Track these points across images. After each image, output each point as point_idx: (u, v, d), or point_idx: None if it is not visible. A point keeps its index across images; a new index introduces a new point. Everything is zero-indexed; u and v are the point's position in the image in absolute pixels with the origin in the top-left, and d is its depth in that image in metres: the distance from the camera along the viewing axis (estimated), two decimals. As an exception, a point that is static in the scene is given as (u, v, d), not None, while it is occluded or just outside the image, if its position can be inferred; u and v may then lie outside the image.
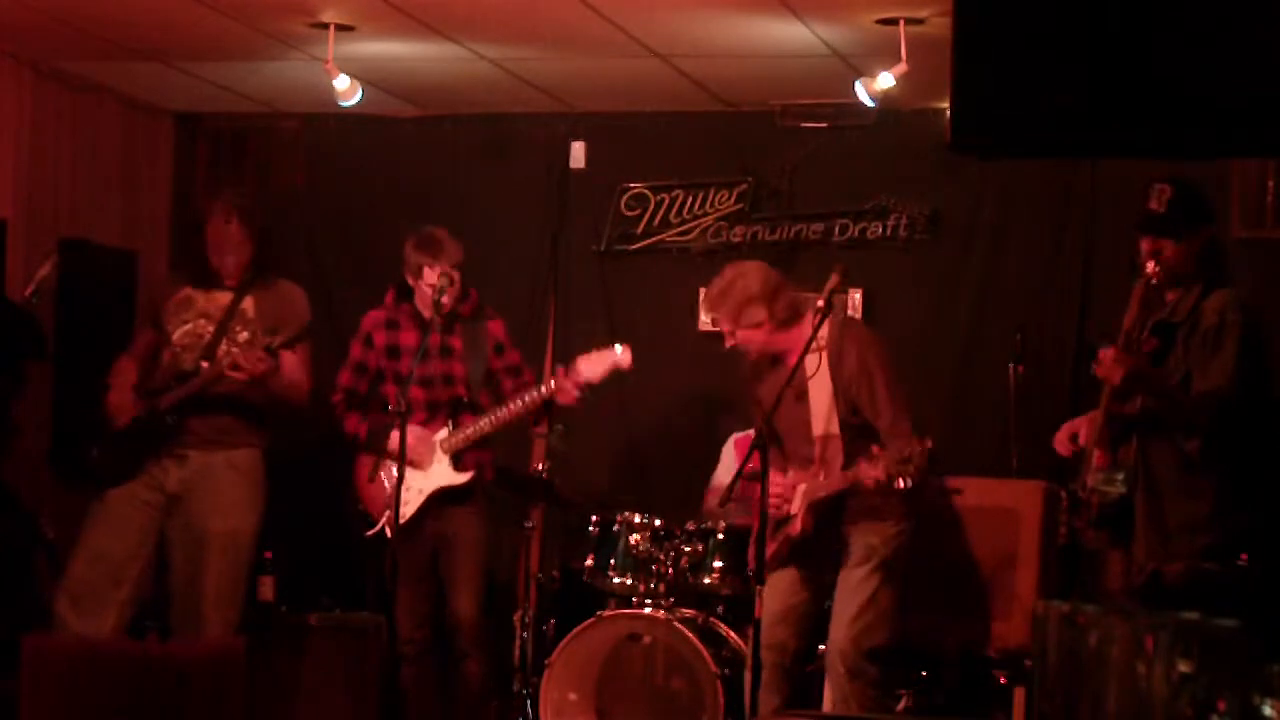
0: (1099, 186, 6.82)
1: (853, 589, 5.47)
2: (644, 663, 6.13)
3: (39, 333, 6.63)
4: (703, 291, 7.26)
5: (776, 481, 5.44)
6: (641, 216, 7.58)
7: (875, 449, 5.28)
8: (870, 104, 6.57)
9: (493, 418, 6.24)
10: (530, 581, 6.80)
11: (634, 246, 7.60)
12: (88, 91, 7.45)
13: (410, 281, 6.28)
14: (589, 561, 6.32)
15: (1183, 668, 2.59)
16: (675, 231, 7.55)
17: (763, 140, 7.44)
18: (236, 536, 6.06)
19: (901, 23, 6.04)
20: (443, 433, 6.27)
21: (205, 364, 6.00)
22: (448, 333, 6.32)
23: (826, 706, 5.63)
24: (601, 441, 7.39)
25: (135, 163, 7.76)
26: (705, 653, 5.85)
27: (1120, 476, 4.87)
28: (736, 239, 7.44)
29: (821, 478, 5.49)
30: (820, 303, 5.34)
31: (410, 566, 6.06)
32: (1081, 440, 4.97)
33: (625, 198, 7.60)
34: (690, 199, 7.53)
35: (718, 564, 6.16)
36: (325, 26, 6.41)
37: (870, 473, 5.25)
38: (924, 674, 6.06)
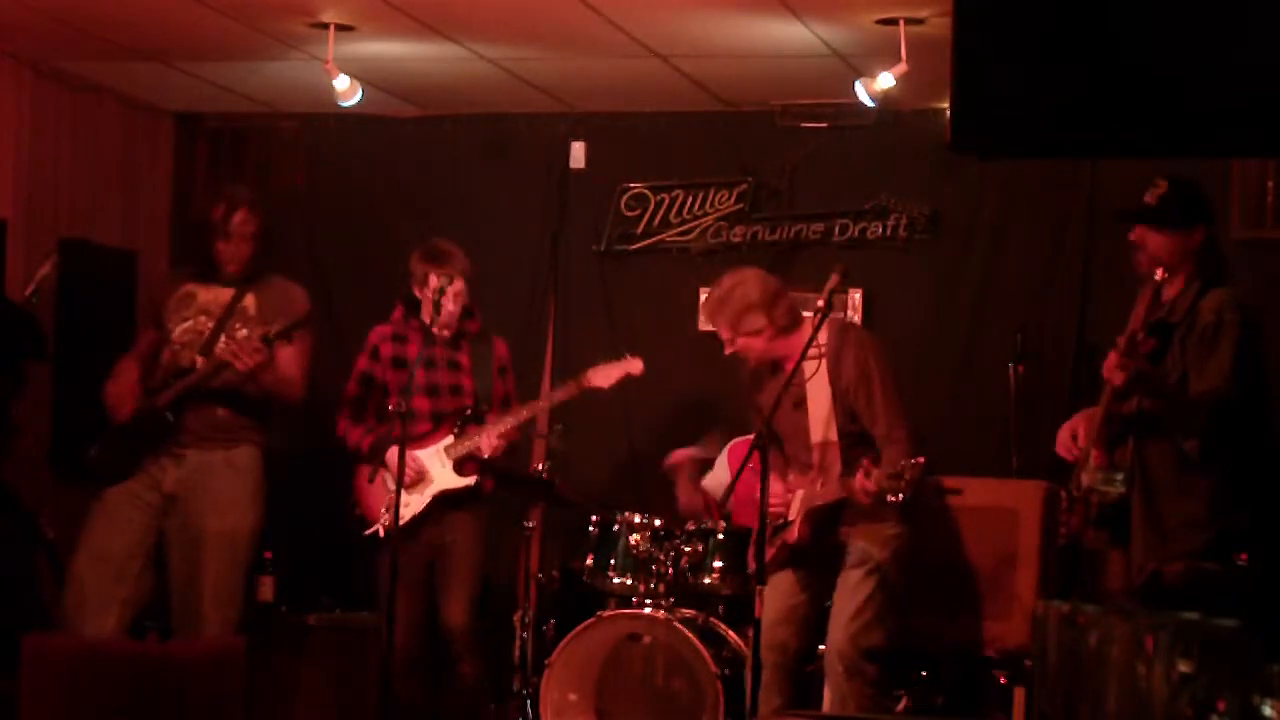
0: (1099, 186, 6.82)
1: (851, 589, 5.47)
2: (644, 663, 6.13)
3: (39, 333, 6.63)
4: (702, 294, 7.31)
5: (775, 492, 5.44)
6: (641, 216, 7.58)
7: (867, 463, 5.28)
8: (870, 104, 6.57)
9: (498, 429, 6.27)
10: (530, 581, 6.80)
11: (634, 246, 7.60)
12: (88, 91, 7.45)
13: (417, 294, 6.29)
14: (589, 561, 6.32)
15: (1183, 668, 2.60)
16: (675, 231, 7.55)
17: (763, 140, 7.44)
18: (234, 535, 6.04)
19: (901, 23, 6.04)
20: (448, 439, 6.29)
21: (202, 359, 5.99)
22: (455, 349, 6.36)
23: (826, 707, 5.63)
24: (601, 441, 7.39)
25: (135, 163, 7.76)
26: (705, 653, 5.85)
27: (1120, 476, 4.87)
28: (736, 239, 7.44)
29: (819, 485, 5.49)
30: (820, 303, 5.34)
31: (405, 574, 6.02)
32: (1081, 440, 4.97)
33: (625, 198, 7.60)
34: (690, 199, 7.53)
35: (718, 564, 6.16)
36: (325, 26, 6.41)
37: (863, 486, 5.25)
38: (923, 674, 6.07)
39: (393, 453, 5.91)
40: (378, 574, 6.31)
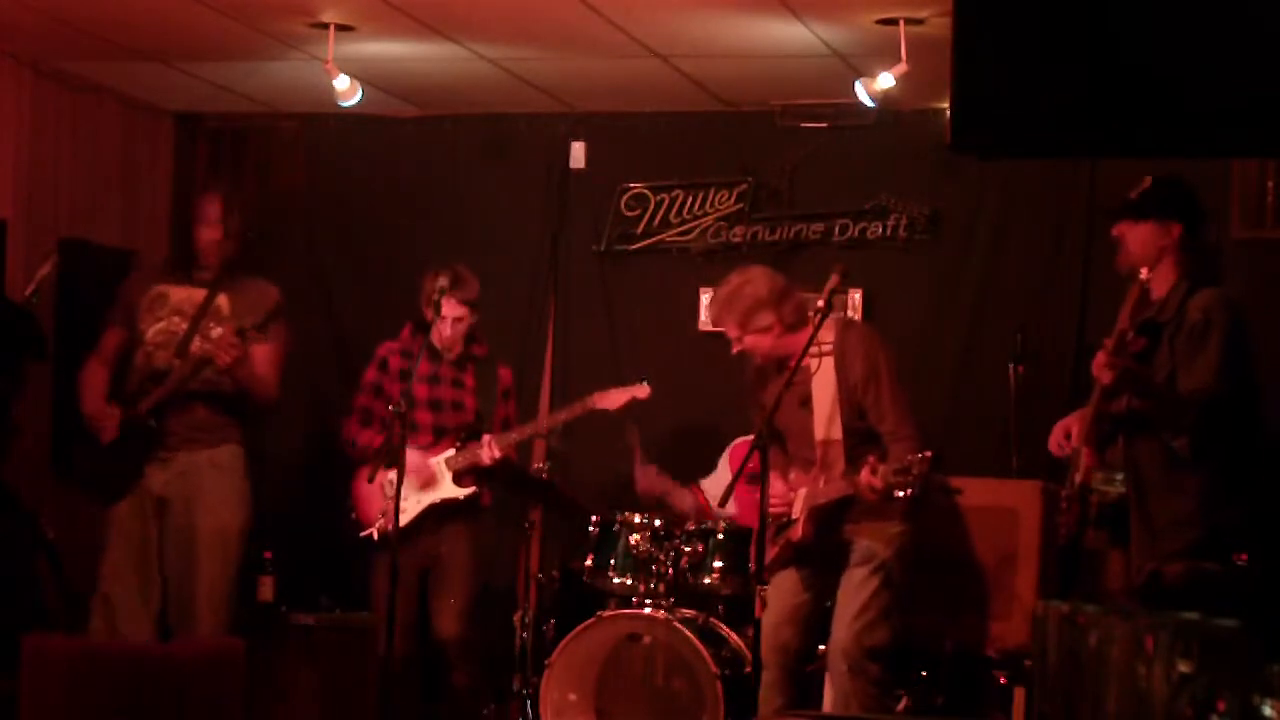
0: (1099, 186, 6.82)
1: (855, 588, 5.47)
2: (644, 663, 6.13)
3: (39, 333, 6.63)
4: (705, 294, 7.33)
5: (777, 491, 5.44)
6: (641, 216, 7.58)
7: (873, 460, 5.28)
8: (870, 104, 6.57)
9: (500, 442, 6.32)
10: (530, 581, 6.81)
11: (634, 246, 7.60)
12: (88, 91, 7.45)
13: (428, 316, 6.30)
14: (589, 561, 6.32)
15: (1183, 668, 2.60)
16: (675, 231, 7.55)
17: (763, 140, 7.44)
18: (226, 535, 6.05)
19: (901, 23, 6.03)
20: (449, 452, 6.32)
21: (179, 361, 5.99)
22: (460, 370, 6.42)
23: (827, 706, 5.63)
24: (601, 442, 7.39)
25: (135, 163, 7.75)
26: (705, 653, 5.85)
27: (1120, 477, 4.88)
28: (736, 239, 7.44)
29: (822, 483, 5.49)
30: (820, 303, 5.34)
31: (400, 579, 6.01)
32: (1074, 439, 4.98)
33: (625, 198, 7.60)
34: (690, 199, 7.53)
35: (718, 564, 6.16)
36: (325, 26, 6.41)
37: (869, 482, 5.25)
38: (924, 674, 6.07)
39: (408, 455, 5.96)
40: (373, 577, 6.33)
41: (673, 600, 6.11)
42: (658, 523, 6.24)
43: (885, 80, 6.31)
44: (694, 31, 6.36)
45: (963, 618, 6.07)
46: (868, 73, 6.44)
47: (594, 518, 6.38)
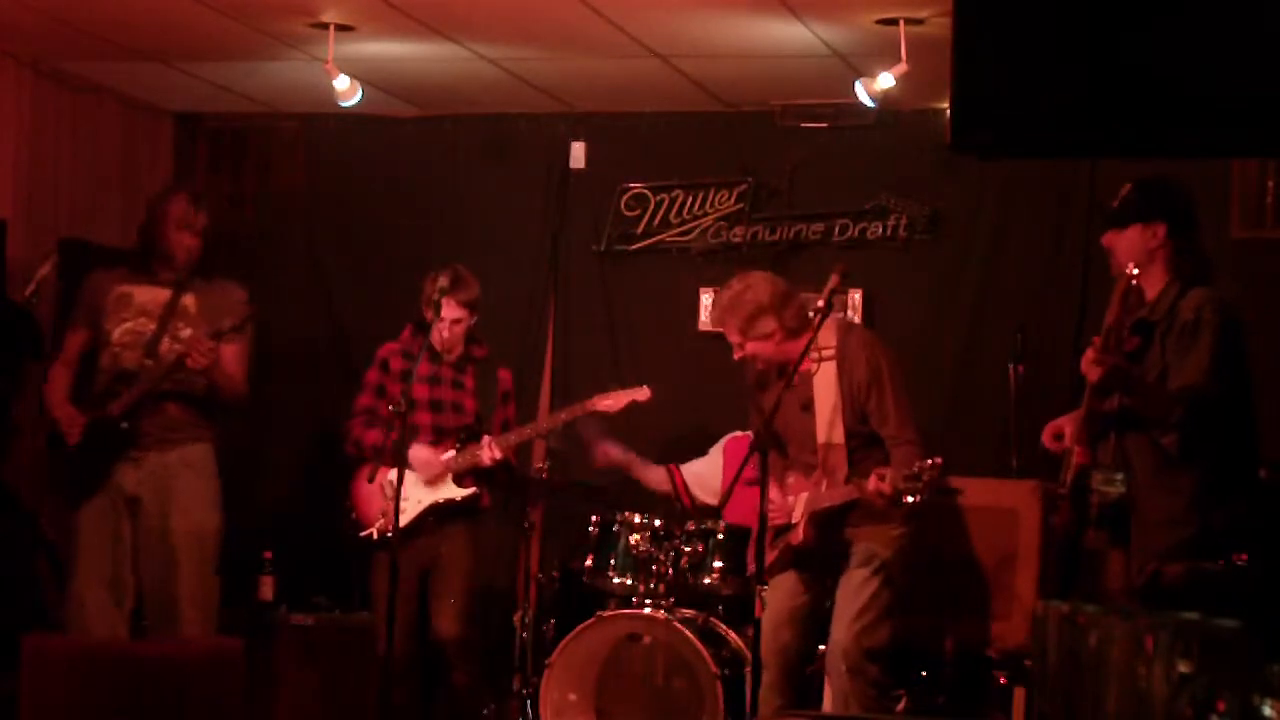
0: (1099, 186, 6.82)
1: (855, 589, 5.47)
2: (644, 663, 6.13)
3: (39, 333, 6.63)
4: (705, 294, 7.33)
5: (773, 498, 5.43)
6: (641, 216, 7.58)
7: (879, 469, 5.27)
8: (870, 104, 6.57)
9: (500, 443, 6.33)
10: (530, 581, 6.81)
11: (634, 246, 7.60)
12: (88, 91, 7.45)
13: (428, 317, 6.30)
14: (589, 561, 6.32)
15: (1183, 668, 2.59)
16: (675, 231, 7.55)
17: (763, 140, 7.44)
18: (202, 534, 6.04)
19: (901, 23, 6.04)
20: (450, 453, 6.33)
21: (149, 362, 5.97)
22: (460, 371, 6.42)
23: (827, 706, 5.63)
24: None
25: (135, 163, 7.75)
26: (705, 653, 5.85)
27: (1120, 476, 4.87)
28: (736, 239, 7.44)
29: (824, 487, 5.48)
30: (820, 303, 5.34)
31: (400, 579, 6.01)
32: (1066, 439, 4.99)
33: (625, 198, 7.60)
34: (690, 199, 7.53)
35: (718, 564, 6.16)
36: (325, 26, 6.41)
37: (879, 489, 5.25)
38: (924, 674, 6.07)
39: (415, 450, 5.96)
40: (373, 577, 6.33)
41: (673, 600, 6.11)
42: (658, 523, 6.24)
43: (885, 80, 6.31)
44: (694, 31, 6.36)
45: (963, 618, 6.08)
46: (868, 73, 6.44)
47: (594, 518, 6.39)
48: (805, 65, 6.71)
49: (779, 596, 5.49)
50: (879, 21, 6.07)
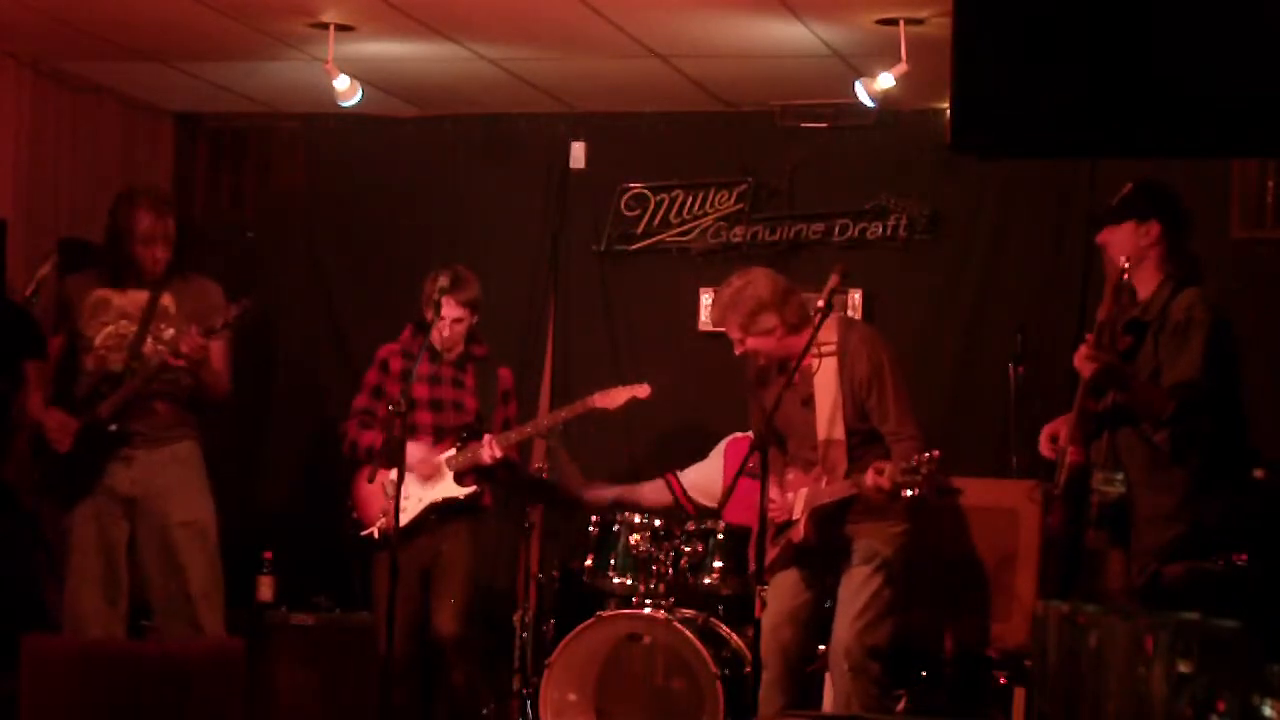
0: (1099, 186, 6.81)
1: (857, 588, 5.46)
2: (644, 663, 6.13)
3: (39, 333, 6.62)
4: (705, 294, 7.33)
5: (774, 496, 5.43)
6: (641, 216, 7.58)
7: (878, 463, 5.27)
8: (870, 104, 6.57)
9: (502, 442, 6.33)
10: (530, 581, 6.81)
11: (634, 246, 7.59)
12: (88, 91, 7.45)
13: (428, 317, 6.30)
14: (589, 561, 6.32)
15: (1183, 668, 2.59)
16: (675, 231, 7.54)
17: (763, 140, 7.44)
18: (202, 526, 6.04)
19: (901, 23, 6.04)
20: (450, 451, 6.32)
21: (135, 364, 5.97)
22: (460, 370, 6.41)
23: (827, 705, 5.63)
24: (600, 442, 7.39)
25: (135, 163, 7.75)
26: (705, 653, 5.85)
27: (1120, 476, 4.88)
28: (736, 239, 7.44)
29: (824, 483, 5.48)
30: (820, 303, 5.33)
31: (400, 579, 6.00)
32: (1061, 441, 4.99)
33: (625, 198, 7.60)
34: (690, 199, 7.53)
35: (718, 564, 6.16)
36: (325, 26, 6.41)
37: (877, 483, 5.25)
38: (924, 674, 6.07)
39: (411, 447, 5.98)
40: (373, 576, 6.33)
41: (673, 600, 6.11)
42: (658, 523, 6.24)
43: (885, 80, 6.31)
44: (694, 31, 6.36)
45: (963, 618, 6.07)
46: (868, 73, 6.44)
47: (594, 518, 6.39)
48: (805, 65, 6.71)
49: (779, 595, 5.49)
50: (879, 21, 6.07)
